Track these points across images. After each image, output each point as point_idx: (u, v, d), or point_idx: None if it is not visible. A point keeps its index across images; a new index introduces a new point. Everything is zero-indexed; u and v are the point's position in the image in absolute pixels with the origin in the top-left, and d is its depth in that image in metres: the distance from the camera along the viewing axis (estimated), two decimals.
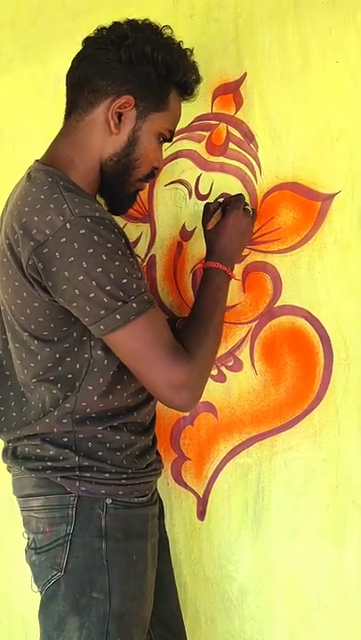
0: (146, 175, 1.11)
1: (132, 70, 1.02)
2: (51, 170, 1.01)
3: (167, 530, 1.25)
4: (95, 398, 1.03)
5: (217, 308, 1.09)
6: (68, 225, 0.92)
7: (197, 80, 1.11)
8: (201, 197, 1.26)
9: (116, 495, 1.04)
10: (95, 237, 0.92)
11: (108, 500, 1.03)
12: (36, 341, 1.02)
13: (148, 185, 1.29)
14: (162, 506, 1.21)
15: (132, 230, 1.34)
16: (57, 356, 1.02)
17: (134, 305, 0.94)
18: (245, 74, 1.20)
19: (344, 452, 1.18)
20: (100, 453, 1.04)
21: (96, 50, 1.03)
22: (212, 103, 1.24)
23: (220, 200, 1.20)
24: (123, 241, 0.98)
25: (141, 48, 1.01)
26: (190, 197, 1.27)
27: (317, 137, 1.15)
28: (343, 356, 1.17)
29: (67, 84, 1.08)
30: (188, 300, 1.30)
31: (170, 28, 1.06)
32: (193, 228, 1.27)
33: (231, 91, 1.22)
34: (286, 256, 1.20)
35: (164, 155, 1.27)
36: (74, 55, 1.08)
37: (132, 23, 1.04)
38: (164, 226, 1.31)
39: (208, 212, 1.19)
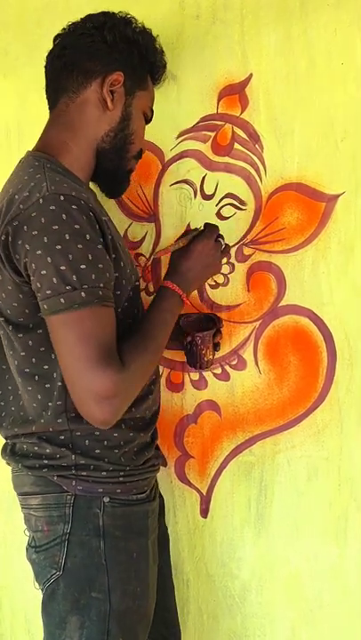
0: (137, 153, 1.12)
1: (117, 50, 1.05)
2: (40, 154, 1.02)
3: (170, 527, 1.26)
4: None
5: (163, 329, 1.06)
6: (41, 200, 0.91)
7: (165, 65, 1.14)
8: (206, 197, 1.27)
9: (113, 493, 1.03)
10: (63, 215, 0.90)
11: (106, 499, 1.02)
12: (11, 327, 1.00)
13: (153, 184, 1.30)
14: (162, 502, 1.22)
15: (138, 230, 1.35)
16: (30, 343, 0.99)
17: (83, 294, 0.89)
18: (251, 75, 1.21)
19: (346, 450, 1.18)
20: (97, 451, 1.03)
21: (78, 37, 1.05)
22: (218, 104, 1.24)
23: (200, 228, 1.16)
24: (97, 227, 0.94)
25: (123, 30, 1.05)
26: (195, 197, 1.27)
27: (322, 138, 1.16)
28: (346, 355, 1.17)
29: (49, 75, 1.09)
30: (192, 299, 1.30)
31: (134, 17, 1.09)
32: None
33: (237, 91, 1.22)
34: (290, 256, 1.21)
35: (170, 155, 1.29)
36: None
37: (103, 12, 1.08)
38: (169, 225, 1.31)
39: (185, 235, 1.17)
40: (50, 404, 1.01)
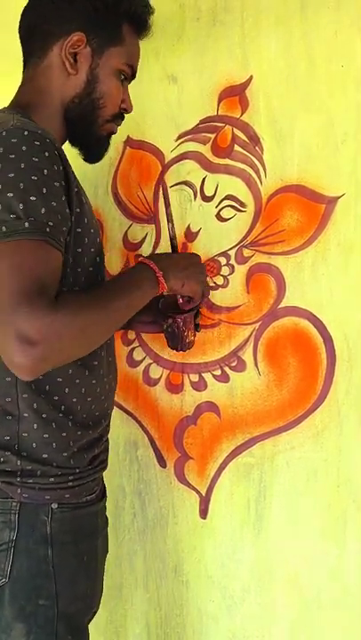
0: (114, 115, 1.06)
1: (77, 8, 0.99)
2: (11, 109, 0.98)
3: (169, 528, 1.27)
4: None
5: (122, 298, 0.94)
6: (4, 133, 0.86)
7: (148, 10, 1.05)
8: (206, 199, 1.27)
9: (62, 499, 0.97)
10: (23, 147, 0.84)
11: (54, 505, 0.96)
12: None
13: (153, 186, 1.30)
14: (104, 487, 1.15)
15: (138, 231, 1.35)
16: None
17: (27, 224, 0.81)
18: (251, 77, 1.21)
19: (345, 452, 1.19)
20: (44, 456, 0.96)
21: None
22: (218, 105, 1.24)
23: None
24: (60, 169, 0.88)
25: None
26: (195, 199, 1.28)
27: (322, 140, 1.16)
28: (346, 357, 1.18)
29: (20, 40, 1.05)
30: None
31: None
32: (198, 229, 1.28)
33: (237, 93, 1.23)
34: (290, 258, 1.21)
35: (170, 156, 1.29)
36: None
37: None
38: None
39: None
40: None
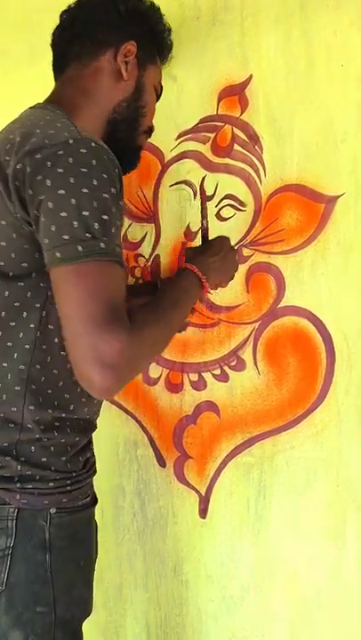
0: (149, 127, 1.14)
1: (130, 22, 1.06)
2: (56, 106, 0.98)
3: (168, 528, 1.26)
4: (43, 379, 0.94)
5: (177, 308, 1.01)
6: (71, 141, 0.84)
7: (171, 45, 1.17)
8: (206, 198, 1.27)
9: (60, 503, 0.97)
10: (94, 161, 0.84)
11: (52, 510, 0.96)
12: None
13: (152, 185, 1.30)
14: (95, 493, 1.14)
15: (137, 230, 1.35)
16: (5, 294, 0.91)
17: (102, 245, 0.82)
18: (251, 76, 1.21)
19: (345, 451, 1.18)
20: (43, 460, 0.96)
21: (91, 8, 1.06)
22: (218, 105, 1.24)
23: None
24: (119, 186, 0.89)
25: (137, 4, 1.08)
26: (195, 198, 1.28)
27: (322, 139, 1.16)
28: (345, 356, 1.17)
29: (56, 48, 1.08)
30: None
31: None
32: (197, 229, 1.28)
33: (237, 92, 1.23)
34: (290, 257, 1.21)
35: (170, 155, 1.29)
36: None
37: None
38: (169, 226, 1.32)
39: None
40: (5, 364, 0.93)
